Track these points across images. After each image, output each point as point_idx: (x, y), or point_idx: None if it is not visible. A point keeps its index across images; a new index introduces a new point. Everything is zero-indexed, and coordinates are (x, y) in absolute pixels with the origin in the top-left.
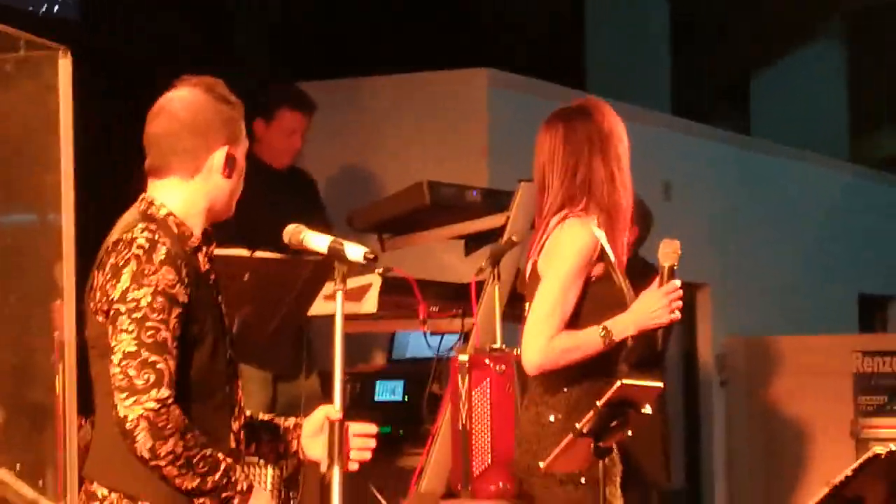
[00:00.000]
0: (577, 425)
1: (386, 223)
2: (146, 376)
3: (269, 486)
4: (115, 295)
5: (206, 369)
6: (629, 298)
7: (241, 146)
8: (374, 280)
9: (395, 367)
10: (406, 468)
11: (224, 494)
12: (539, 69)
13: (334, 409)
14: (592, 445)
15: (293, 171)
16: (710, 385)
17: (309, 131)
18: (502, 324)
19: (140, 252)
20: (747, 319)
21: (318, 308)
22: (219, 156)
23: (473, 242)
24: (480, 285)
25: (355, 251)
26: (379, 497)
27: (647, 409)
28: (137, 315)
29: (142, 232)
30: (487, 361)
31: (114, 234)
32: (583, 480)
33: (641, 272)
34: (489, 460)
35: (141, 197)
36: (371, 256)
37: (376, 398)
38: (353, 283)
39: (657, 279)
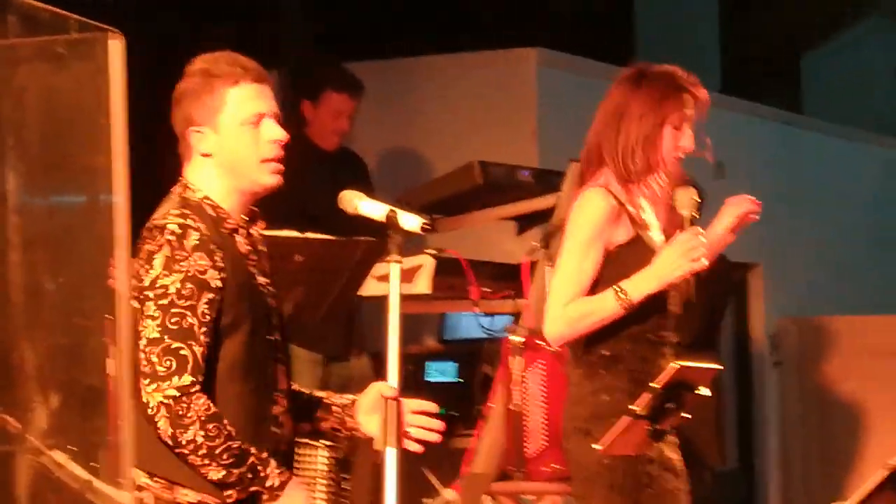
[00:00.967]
0: (633, 407)
1: (437, 204)
2: (168, 363)
3: (323, 468)
4: (147, 281)
5: (244, 352)
6: None
7: (222, 116)
8: (427, 261)
9: (447, 347)
10: (458, 449)
11: (252, 488)
12: (589, 48)
13: (388, 386)
14: (648, 427)
15: (344, 152)
16: (763, 366)
17: (358, 112)
18: None
19: (172, 238)
20: (800, 299)
21: (369, 289)
22: (193, 137)
23: (525, 223)
24: (532, 266)
25: (411, 221)
26: (432, 478)
27: (704, 391)
28: (164, 301)
29: (175, 218)
30: (540, 342)
31: (152, 221)
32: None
33: None
34: (543, 441)
35: (179, 180)
36: (428, 226)
37: (427, 379)
38: (406, 263)
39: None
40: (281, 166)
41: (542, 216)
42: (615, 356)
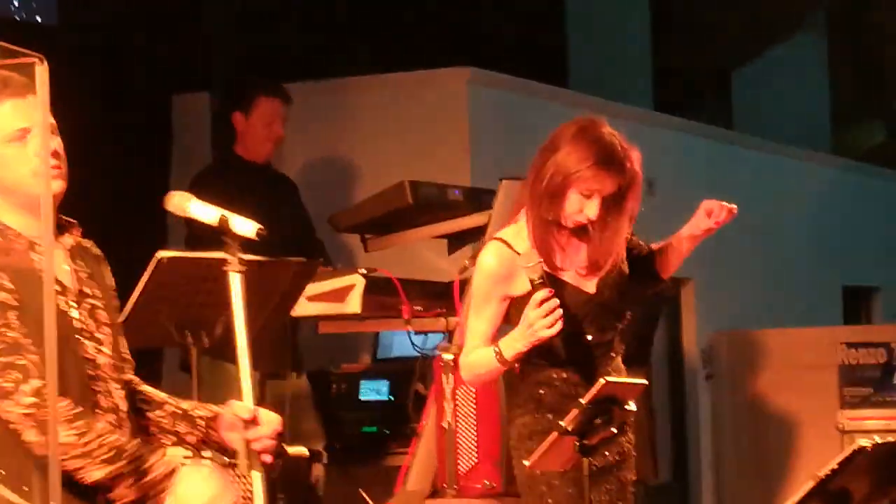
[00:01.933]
0: (562, 423)
1: (368, 224)
2: (12, 376)
3: (259, 491)
4: None
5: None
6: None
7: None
8: (358, 280)
9: (380, 366)
10: (392, 467)
11: (140, 481)
12: (520, 67)
13: (245, 408)
14: (577, 443)
15: (275, 173)
16: (695, 379)
17: (289, 133)
18: None
19: None
20: (732, 313)
21: (301, 309)
22: None
23: (456, 241)
24: (463, 284)
25: (245, 226)
26: (365, 497)
27: (632, 406)
28: None
29: None
30: None
31: None
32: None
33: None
34: (475, 458)
35: None
36: (263, 233)
37: (361, 397)
38: (337, 283)
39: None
40: (61, 170)
41: (473, 234)
42: (544, 380)
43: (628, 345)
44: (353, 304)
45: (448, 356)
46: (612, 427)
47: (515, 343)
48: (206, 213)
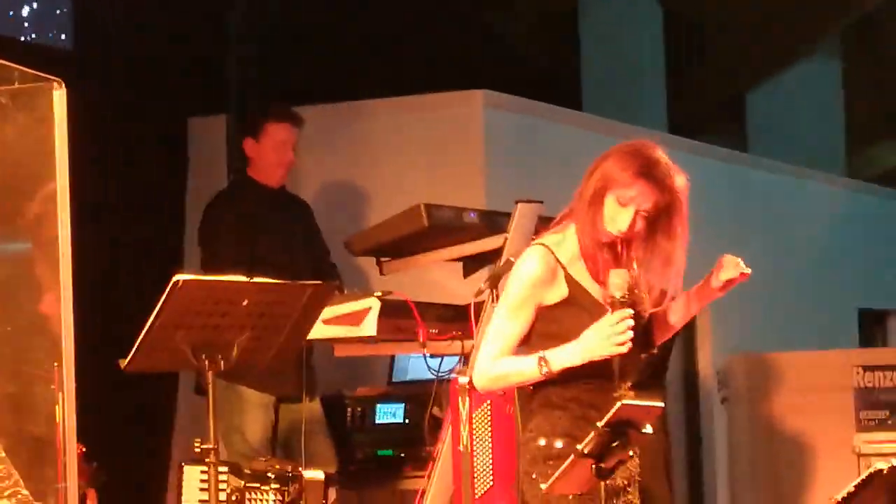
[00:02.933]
0: (579, 447)
1: (384, 247)
2: None
3: None
4: None
5: None
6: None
7: None
8: (374, 303)
9: (396, 389)
10: (408, 491)
11: None
12: (536, 90)
13: None
14: (594, 466)
15: (289, 196)
16: (711, 402)
17: (304, 156)
18: None
19: None
20: (747, 336)
21: (316, 332)
22: None
23: (472, 264)
24: (479, 307)
25: None
26: None
27: (648, 429)
28: None
29: None
30: None
31: None
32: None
33: None
34: (490, 482)
35: None
36: None
37: (377, 421)
38: (352, 306)
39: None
40: None
41: (489, 257)
42: (557, 402)
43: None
44: (369, 328)
45: (464, 379)
46: (628, 450)
47: (572, 356)
48: None
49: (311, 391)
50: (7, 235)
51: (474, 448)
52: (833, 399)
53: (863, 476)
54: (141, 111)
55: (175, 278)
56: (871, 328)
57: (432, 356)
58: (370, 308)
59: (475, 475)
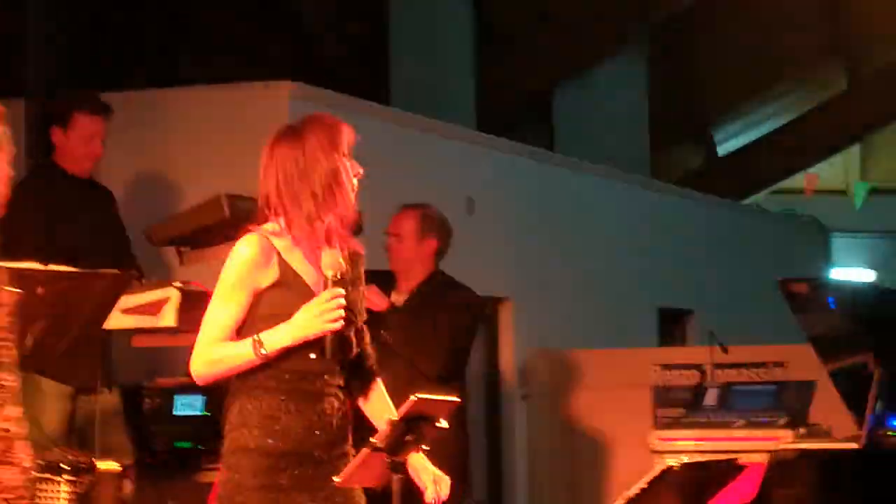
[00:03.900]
0: (373, 440)
1: (185, 237)
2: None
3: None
4: None
5: None
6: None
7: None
8: (173, 293)
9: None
10: (206, 483)
11: None
12: (344, 84)
13: None
14: (388, 460)
15: (93, 185)
16: (512, 399)
17: (106, 144)
18: None
19: None
20: (549, 333)
21: (115, 322)
22: None
23: None
24: None
25: None
26: None
27: (443, 423)
28: None
29: None
30: None
31: None
32: None
33: (442, 285)
34: None
35: None
36: None
37: (175, 412)
38: (151, 296)
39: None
40: None
41: None
42: (263, 387)
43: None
44: (168, 318)
45: None
46: (422, 444)
47: (283, 336)
48: None
49: (108, 382)
50: None
51: None
52: (632, 397)
53: (654, 473)
54: None
55: None
56: (670, 327)
57: None
58: (169, 298)
59: None
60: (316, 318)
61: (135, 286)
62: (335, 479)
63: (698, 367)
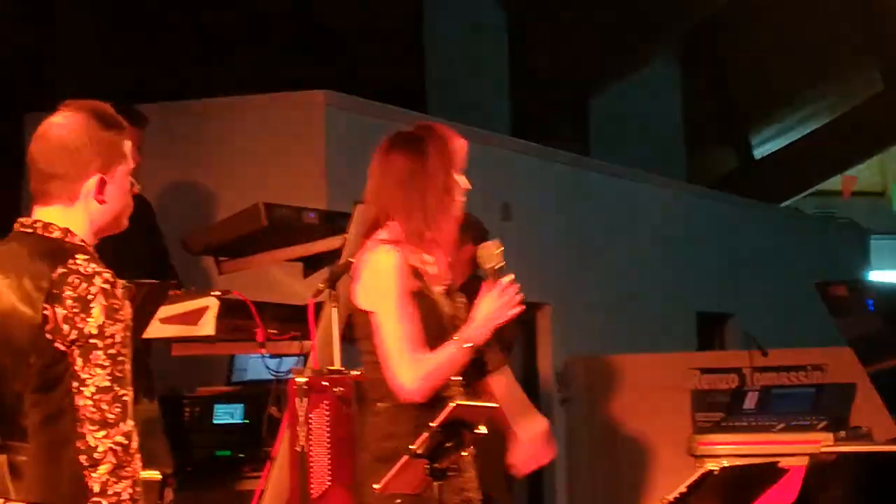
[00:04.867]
0: (412, 446)
1: (222, 246)
2: (117, 409)
3: None
4: (91, 329)
5: None
6: (449, 313)
7: (122, 167)
8: (212, 303)
9: (235, 389)
10: (246, 491)
11: None
12: (379, 91)
13: None
14: (427, 467)
15: None
16: (550, 403)
17: (143, 154)
18: (341, 345)
19: (107, 286)
20: (587, 338)
21: (154, 331)
22: (91, 183)
23: (311, 264)
24: (318, 307)
25: None
26: None
27: (482, 430)
28: (112, 351)
29: (90, 263)
30: (325, 383)
31: (68, 266)
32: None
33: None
34: (328, 483)
35: (31, 222)
36: None
37: (215, 421)
38: (190, 305)
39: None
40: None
41: (328, 258)
42: (391, 407)
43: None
44: (207, 327)
45: (302, 379)
46: (462, 450)
47: (481, 330)
48: None
49: (149, 391)
50: None
51: (311, 448)
52: (670, 401)
53: (694, 477)
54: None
55: None
56: (709, 331)
57: (271, 356)
58: (208, 307)
59: (312, 476)
60: (502, 307)
61: (173, 295)
62: (374, 485)
63: (737, 370)
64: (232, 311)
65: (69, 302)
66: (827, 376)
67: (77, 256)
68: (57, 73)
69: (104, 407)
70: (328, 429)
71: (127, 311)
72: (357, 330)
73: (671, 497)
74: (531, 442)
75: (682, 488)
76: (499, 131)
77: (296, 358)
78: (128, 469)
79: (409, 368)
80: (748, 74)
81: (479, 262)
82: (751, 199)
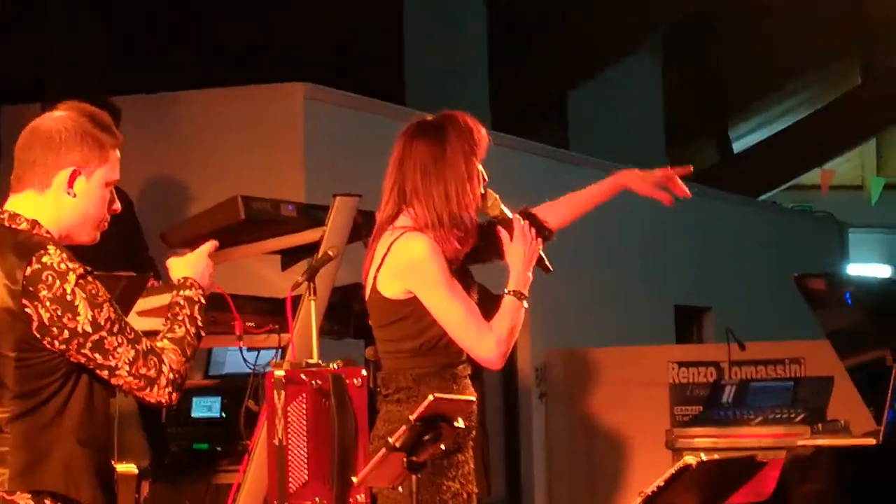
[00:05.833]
0: (390, 439)
1: (200, 238)
2: (153, 363)
3: None
4: (87, 327)
5: None
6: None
7: (101, 171)
8: None
9: (212, 383)
10: (223, 485)
11: None
12: (358, 84)
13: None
14: (405, 460)
15: None
16: (529, 397)
17: (122, 147)
18: (319, 339)
19: (81, 280)
20: (566, 332)
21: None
22: (64, 174)
23: (290, 257)
24: (297, 300)
25: None
26: None
27: (460, 423)
28: (116, 328)
29: (60, 256)
30: (303, 376)
31: (8, 256)
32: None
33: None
34: (305, 476)
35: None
36: None
37: (193, 414)
38: (167, 298)
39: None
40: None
41: (307, 250)
42: (415, 392)
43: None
44: None
45: (280, 372)
46: (440, 444)
47: (523, 274)
48: None
49: None
50: None
51: (289, 442)
52: (649, 394)
53: (672, 470)
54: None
55: None
56: (687, 324)
57: (249, 349)
58: None
59: (290, 469)
60: (528, 245)
61: (151, 288)
62: (353, 478)
63: (715, 364)
64: (209, 304)
65: (49, 304)
66: (804, 369)
67: (48, 248)
68: (37, 64)
69: (143, 371)
70: (306, 422)
71: (103, 290)
72: (378, 317)
73: (649, 490)
74: None
75: (660, 481)
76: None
77: (274, 351)
78: (180, 377)
79: (486, 337)
80: (727, 69)
81: (486, 210)
82: (729, 192)
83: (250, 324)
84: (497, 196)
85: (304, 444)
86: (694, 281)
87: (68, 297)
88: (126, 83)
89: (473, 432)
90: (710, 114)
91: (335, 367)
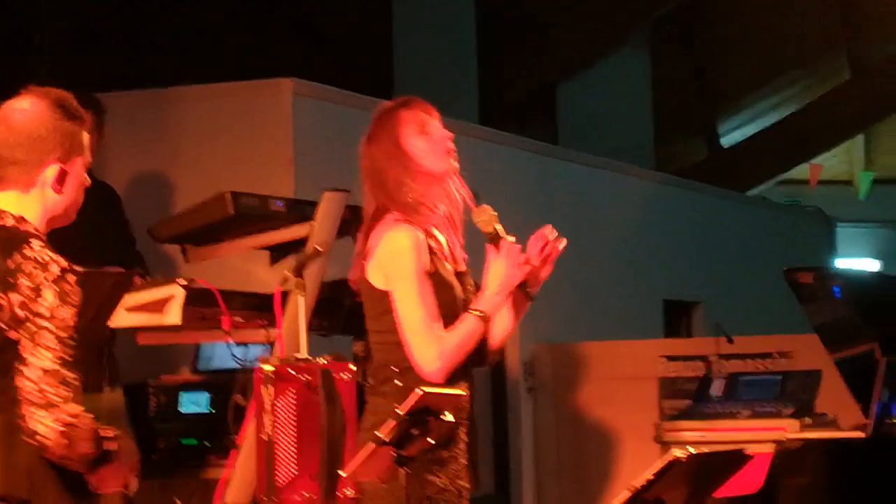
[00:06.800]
0: (378, 433)
1: (189, 234)
2: (65, 392)
3: None
4: (43, 311)
5: None
6: (460, 296)
7: (80, 160)
8: (177, 291)
9: (201, 378)
10: (212, 480)
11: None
12: (347, 80)
13: None
14: (393, 454)
15: (95, 182)
16: (517, 392)
17: (112, 143)
18: (307, 334)
19: (61, 273)
20: (554, 326)
21: (119, 320)
22: (50, 171)
23: (278, 252)
24: (285, 295)
25: None
26: None
27: (448, 417)
28: (63, 334)
29: (45, 250)
30: (292, 371)
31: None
32: None
33: None
34: (294, 471)
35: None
36: None
37: (181, 410)
38: (156, 294)
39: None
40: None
41: (295, 246)
42: (403, 385)
43: None
44: (173, 316)
45: (268, 367)
46: (429, 438)
47: (497, 297)
48: None
49: (113, 380)
50: None
51: (278, 437)
52: (637, 388)
53: (660, 464)
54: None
55: None
56: (675, 319)
57: (238, 344)
58: (173, 296)
59: (278, 463)
60: (513, 269)
61: (139, 284)
62: (340, 472)
63: (704, 358)
64: (198, 300)
65: (24, 290)
66: (793, 363)
67: (32, 243)
68: (26, 62)
69: (48, 389)
70: (294, 417)
71: (78, 298)
72: (367, 308)
73: (638, 484)
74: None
75: (649, 475)
76: (468, 119)
77: (262, 346)
78: (73, 448)
79: (430, 347)
80: (717, 63)
81: (478, 227)
82: (718, 187)
83: (239, 319)
84: (494, 214)
85: (293, 438)
86: (683, 275)
87: (41, 284)
88: (113, 79)
89: (464, 427)
90: (698, 108)
91: (323, 361)
